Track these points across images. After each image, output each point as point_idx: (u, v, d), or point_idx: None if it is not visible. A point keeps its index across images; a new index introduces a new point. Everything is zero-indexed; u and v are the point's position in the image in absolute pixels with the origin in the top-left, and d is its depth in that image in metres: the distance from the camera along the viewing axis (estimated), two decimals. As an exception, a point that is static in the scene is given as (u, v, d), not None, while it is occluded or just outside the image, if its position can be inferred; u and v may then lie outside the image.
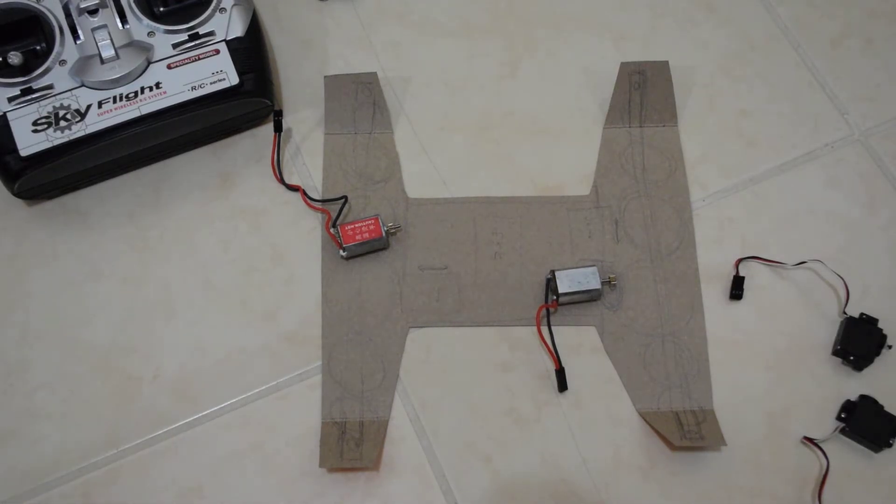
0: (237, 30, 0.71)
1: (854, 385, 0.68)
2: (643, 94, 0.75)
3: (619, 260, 0.71)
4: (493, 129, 0.76)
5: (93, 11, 0.70)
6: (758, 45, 0.79)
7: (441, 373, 0.68)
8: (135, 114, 0.68)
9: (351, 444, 0.65)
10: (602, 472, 0.65)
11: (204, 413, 0.67)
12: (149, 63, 0.69)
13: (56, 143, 0.67)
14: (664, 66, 0.75)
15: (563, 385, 0.67)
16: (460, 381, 0.68)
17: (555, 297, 0.68)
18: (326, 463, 0.64)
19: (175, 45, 0.70)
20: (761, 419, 0.67)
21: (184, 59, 0.70)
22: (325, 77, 0.75)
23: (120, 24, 0.70)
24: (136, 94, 0.69)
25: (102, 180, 0.74)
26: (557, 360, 0.67)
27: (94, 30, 0.69)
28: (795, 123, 0.77)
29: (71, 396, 0.67)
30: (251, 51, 0.71)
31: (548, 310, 0.69)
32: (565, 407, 0.67)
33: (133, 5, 0.70)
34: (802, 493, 0.65)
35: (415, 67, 0.78)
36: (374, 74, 0.75)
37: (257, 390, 0.68)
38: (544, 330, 0.68)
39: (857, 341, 0.68)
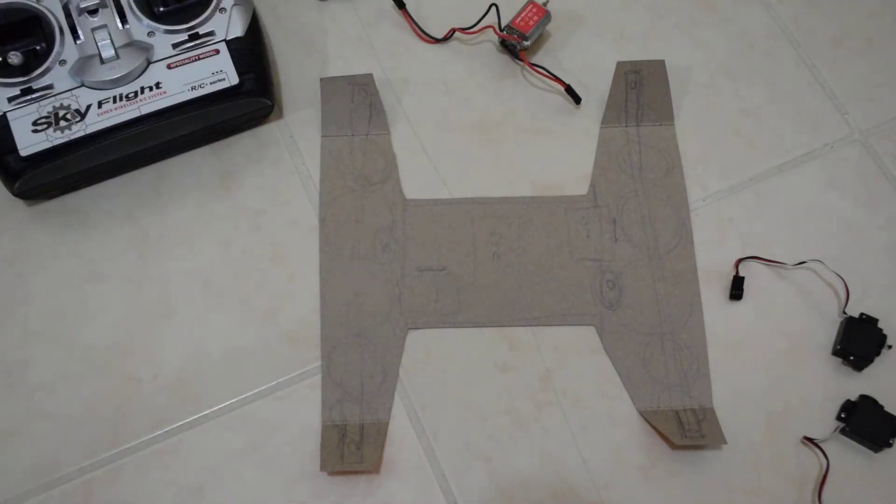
0: (237, 30, 0.71)
1: (854, 385, 0.68)
2: (639, 93, 0.75)
3: (617, 259, 0.71)
4: (492, 129, 0.76)
5: (93, 11, 0.70)
6: (758, 45, 0.79)
7: (441, 373, 0.68)
8: (135, 114, 0.68)
9: (351, 446, 0.65)
10: (602, 472, 0.65)
11: (204, 413, 0.67)
12: (149, 63, 0.69)
13: (56, 143, 0.67)
14: (660, 64, 0.75)
15: (577, 98, 0.74)
16: (460, 382, 0.68)
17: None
18: (327, 466, 0.64)
19: (175, 45, 0.70)
20: (761, 419, 0.67)
21: (184, 59, 0.70)
22: (321, 79, 0.75)
23: (120, 24, 0.70)
24: (136, 94, 0.69)
25: (102, 180, 0.74)
26: (560, 80, 0.74)
27: (94, 30, 0.69)
28: (795, 123, 0.77)
29: (71, 396, 0.67)
30: (251, 51, 0.71)
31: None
32: (565, 407, 0.67)
33: (133, 5, 0.70)
34: (802, 493, 0.65)
35: (414, 67, 0.78)
36: (370, 76, 0.75)
37: (257, 390, 0.68)
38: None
39: (857, 341, 0.68)
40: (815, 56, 0.79)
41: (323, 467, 0.64)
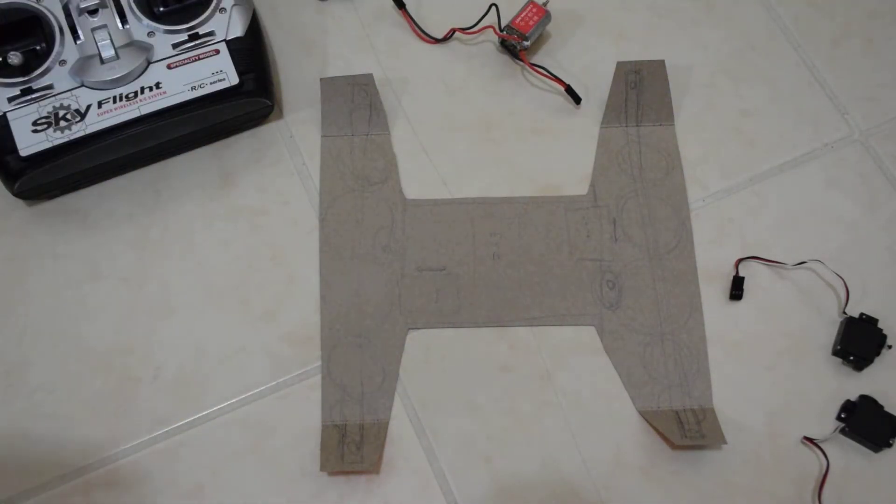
0: (237, 30, 0.71)
1: (854, 385, 0.68)
2: (639, 93, 0.75)
3: (617, 259, 0.71)
4: (492, 129, 0.76)
5: (93, 11, 0.70)
6: (758, 45, 0.79)
7: (441, 373, 0.68)
8: (135, 114, 0.68)
9: (352, 447, 0.65)
10: (602, 472, 0.65)
11: (204, 413, 0.67)
12: (149, 63, 0.69)
13: (56, 143, 0.67)
14: (660, 64, 0.75)
15: (577, 98, 0.75)
16: (460, 382, 0.68)
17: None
18: (327, 466, 0.64)
19: (175, 45, 0.70)
20: (761, 419, 0.67)
21: (184, 60, 0.70)
22: (321, 79, 0.75)
23: (120, 24, 0.70)
24: (135, 94, 0.69)
25: (102, 180, 0.74)
26: (560, 80, 0.75)
27: (94, 30, 0.69)
28: (795, 123, 0.77)
29: (71, 396, 0.67)
30: (251, 51, 0.71)
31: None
32: (565, 407, 0.67)
33: (133, 5, 0.70)
34: (802, 493, 0.65)
35: (415, 67, 0.78)
36: (370, 76, 0.75)
37: (257, 390, 0.68)
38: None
39: (857, 341, 0.68)
40: (815, 56, 0.79)
41: (323, 467, 0.64)
